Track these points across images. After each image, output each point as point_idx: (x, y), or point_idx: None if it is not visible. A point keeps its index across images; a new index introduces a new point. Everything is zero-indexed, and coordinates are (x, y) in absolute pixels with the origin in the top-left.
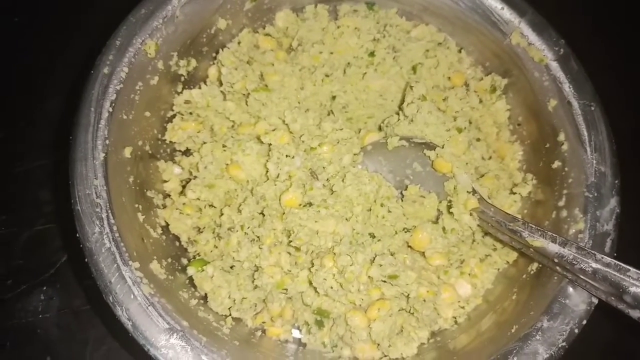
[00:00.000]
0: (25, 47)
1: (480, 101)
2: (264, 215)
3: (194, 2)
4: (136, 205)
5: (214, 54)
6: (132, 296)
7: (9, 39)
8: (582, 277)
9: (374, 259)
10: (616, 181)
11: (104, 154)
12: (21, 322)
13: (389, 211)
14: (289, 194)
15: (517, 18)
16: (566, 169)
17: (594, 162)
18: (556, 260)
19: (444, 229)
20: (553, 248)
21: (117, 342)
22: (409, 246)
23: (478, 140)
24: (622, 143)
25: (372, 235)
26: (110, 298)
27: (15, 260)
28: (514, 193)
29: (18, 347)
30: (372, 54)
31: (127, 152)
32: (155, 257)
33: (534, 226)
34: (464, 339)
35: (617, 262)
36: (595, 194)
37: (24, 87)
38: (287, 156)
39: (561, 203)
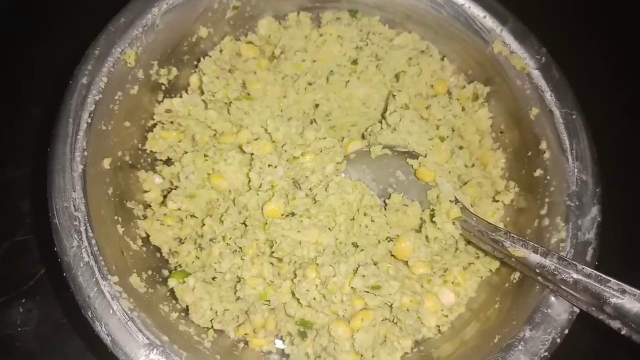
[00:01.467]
0: (5, 53)
1: (463, 109)
2: (246, 225)
3: (175, 10)
4: (115, 217)
5: (195, 62)
6: (111, 311)
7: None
8: (563, 287)
9: (357, 269)
10: (597, 189)
11: (82, 166)
12: (0, 335)
13: (372, 220)
14: (271, 204)
15: (499, 26)
16: (548, 177)
17: (576, 170)
18: (538, 271)
19: (427, 237)
20: (534, 258)
21: (96, 357)
22: (392, 255)
23: (461, 148)
24: (604, 152)
25: (355, 245)
26: (89, 313)
27: None
28: (497, 201)
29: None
30: (355, 62)
31: (107, 163)
32: (135, 270)
33: (515, 236)
34: (447, 348)
35: (597, 273)
36: (577, 203)
37: (3, 93)
38: (269, 166)
39: (543, 211)
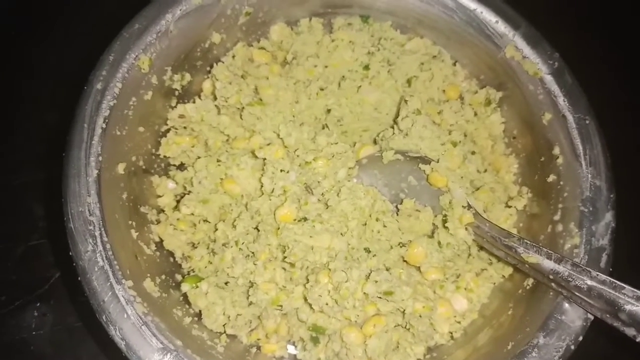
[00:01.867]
0: (22, 59)
1: (475, 114)
2: (258, 230)
3: (188, 16)
4: (130, 222)
5: (208, 68)
6: (125, 315)
7: (5, 51)
8: (577, 294)
9: (369, 274)
10: (611, 195)
11: (97, 171)
12: (14, 339)
13: (384, 226)
14: (283, 209)
15: (512, 31)
16: (561, 182)
17: (589, 176)
18: (551, 277)
19: (439, 243)
20: (548, 265)
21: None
22: (405, 261)
23: (473, 153)
24: (618, 157)
25: (368, 250)
26: (104, 317)
27: (9, 275)
28: (510, 206)
29: None
30: (366, 67)
31: (121, 168)
32: (148, 275)
33: (529, 242)
34: (460, 354)
35: (612, 279)
36: (591, 209)
37: (20, 98)
38: (281, 171)
39: (557, 217)
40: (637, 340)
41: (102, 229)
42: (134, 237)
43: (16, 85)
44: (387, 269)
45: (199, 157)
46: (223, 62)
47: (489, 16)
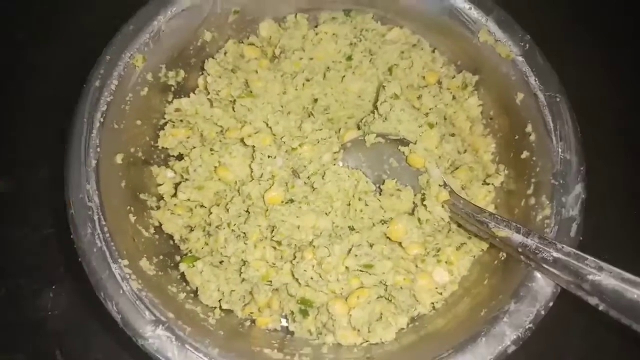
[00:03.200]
0: (26, 61)
1: (454, 98)
2: (249, 213)
3: (180, 16)
4: (128, 207)
5: (201, 65)
6: (121, 291)
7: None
8: (544, 265)
9: (350, 249)
10: (581, 168)
11: (95, 161)
12: (32, 319)
13: (367, 205)
14: (271, 192)
15: (484, 16)
16: (534, 158)
17: (560, 150)
18: (520, 250)
19: (419, 219)
20: (517, 238)
21: (112, 334)
22: (387, 237)
23: (452, 135)
24: (589, 132)
25: (351, 228)
26: (102, 293)
27: (27, 261)
28: (488, 184)
29: (30, 341)
30: (349, 58)
31: (119, 158)
32: (145, 255)
33: (499, 217)
34: (440, 322)
35: (576, 251)
36: (561, 181)
37: (29, 98)
38: (269, 157)
39: (529, 191)
40: (600, 309)
41: (100, 214)
42: (132, 221)
43: (26, 86)
44: (371, 245)
45: (194, 147)
46: (215, 59)
47: (462, 3)
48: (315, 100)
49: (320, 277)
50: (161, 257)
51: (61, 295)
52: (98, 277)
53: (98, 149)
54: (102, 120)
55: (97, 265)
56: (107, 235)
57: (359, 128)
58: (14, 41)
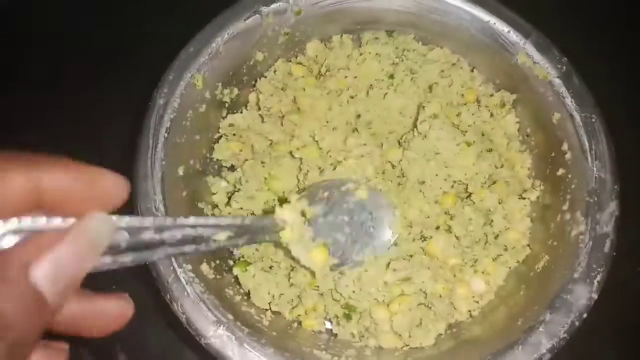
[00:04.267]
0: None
1: (492, 115)
2: None
3: (235, 39)
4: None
5: (253, 82)
6: (185, 294)
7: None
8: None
9: (389, 263)
10: (615, 186)
11: (161, 173)
12: None
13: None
14: None
15: (522, 39)
16: (569, 175)
17: (595, 169)
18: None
19: (456, 236)
20: None
21: (175, 332)
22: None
23: (490, 150)
24: (623, 151)
25: (395, 243)
26: (168, 296)
27: None
28: (524, 198)
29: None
30: (391, 76)
31: (181, 170)
32: (204, 260)
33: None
34: (477, 330)
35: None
36: (596, 199)
37: (108, 115)
38: (317, 168)
39: (565, 207)
40: None
41: None
42: None
43: (105, 104)
44: (410, 256)
45: (246, 160)
46: (266, 77)
47: (501, 27)
48: (359, 116)
49: (361, 290)
50: (218, 261)
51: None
52: (164, 280)
53: (163, 162)
54: (166, 135)
55: (164, 269)
56: None
57: (399, 145)
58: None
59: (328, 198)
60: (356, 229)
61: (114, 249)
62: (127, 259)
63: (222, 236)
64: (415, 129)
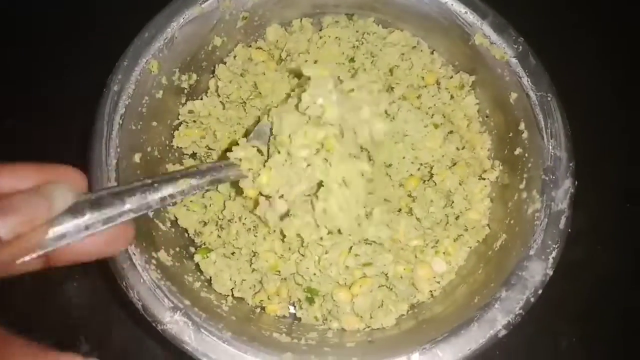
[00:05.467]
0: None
1: (452, 97)
2: None
3: (191, 23)
4: None
5: (212, 68)
6: (141, 280)
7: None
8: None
9: (351, 248)
10: (571, 164)
11: (115, 160)
12: (58, 306)
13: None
14: None
15: (480, 20)
16: (526, 154)
17: (550, 147)
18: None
19: (417, 218)
20: None
21: (133, 320)
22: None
23: (451, 132)
24: (578, 129)
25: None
26: (124, 283)
27: None
28: (484, 178)
29: (56, 328)
30: (352, 60)
31: (137, 157)
32: (163, 247)
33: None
34: (437, 309)
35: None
36: (551, 176)
37: (53, 103)
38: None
39: (522, 186)
40: None
41: None
42: (150, 216)
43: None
44: (373, 242)
45: (207, 147)
46: (225, 63)
47: (458, 7)
48: None
49: (321, 272)
50: (177, 249)
51: (85, 285)
52: (120, 267)
53: (118, 149)
54: (121, 122)
55: (120, 256)
56: None
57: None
58: (37, 42)
59: None
60: None
61: (74, 210)
62: (88, 219)
63: (183, 184)
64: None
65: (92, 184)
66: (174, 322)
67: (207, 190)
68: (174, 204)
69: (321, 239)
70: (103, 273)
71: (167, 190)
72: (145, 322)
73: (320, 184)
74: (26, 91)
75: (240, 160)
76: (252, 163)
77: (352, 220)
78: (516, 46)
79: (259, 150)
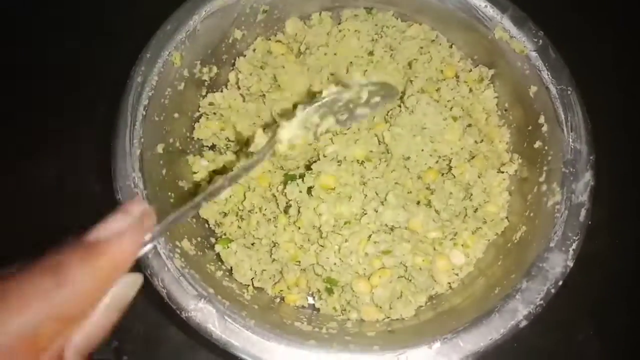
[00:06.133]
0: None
1: (470, 90)
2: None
3: (212, 16)
4: (169, 194)
5: (232, 61)
6: (166, 269)
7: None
8: None
9: (370, 236)
10: (591, 157)
11: (139, 151)
12: None
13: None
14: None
15: (499, 14)
16: (546, 147)
17: (570, 140)
18: None
19: (436, 210)
20: None
21: (159, 309)
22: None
23: (470, 125)
24: (599, 123)
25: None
26: (148, 271)
27: None
28: (502, 172)
29: None
30: (371, 53)
31: (160, 148)
32: (185, 236)
33: None
34: (456, 300)
35: None
36: (571, 169)
37: (78, 94)
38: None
39: (542, 179)
40: None
41: (145, 199)
42: (172, 205)
43: (74, 82)
44: (391, 229)
45: (227, 139)
46: (245, 56)
47: (478, 1)
48: None
49: (341, 261)
50: (199, 239)
51: None
52: (145, 255)
53: (142, 140)
54: (144, 113)
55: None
56: None
57: (386, 121)
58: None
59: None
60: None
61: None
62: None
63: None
64: (402, 104)
65: (116, 174)
66: (199, 310)
67: None
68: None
69: (339, 227)
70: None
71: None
72: (168, 309)
73: None
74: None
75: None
76: None
77: None
78: (536, 40)
79: None
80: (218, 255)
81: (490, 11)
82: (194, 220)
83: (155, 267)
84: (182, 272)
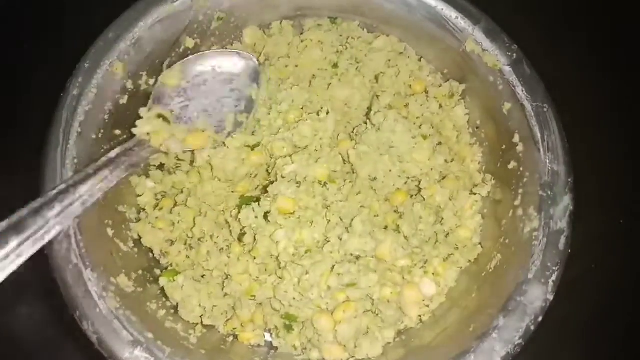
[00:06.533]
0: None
1: (440, 106)
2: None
3: (160, 23)
4: (106, 221)
5: None
6: (97, 310)
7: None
8: None
9: (334, 267)
10: (569, 179)
11: (72, 173)
12: (4, 336)
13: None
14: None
15: (471, 26)
16: (521, 169)
17: (547, 161)
18: None
19: (405, 236)
20: None
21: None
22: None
23: (440, 144)
24: (576, 143)
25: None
26: (77, 312)
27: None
28: (474, 193)
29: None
30: (335, 66)
31: None
32: (123, 271)
33: None
34: (428, 336)
35: None
36: (549, 193)
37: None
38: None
39: (517, 202)
40: None
41: (76, 229)
42: (109, 235)
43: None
44: (356, 258)
45: (177, 157)
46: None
47: (449, 12)
48: (302, 107)
49: (302, 295)
50: (140, 272)
51: (35, 314)
52: (73, 294)
53: (75, 160)
54: (79, 130)
55: (73, 283)
56: (84, 250)
57: (351, 139)
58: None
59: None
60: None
61: None
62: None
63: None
64: (368, 121)
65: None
66: (134, 359)
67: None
68: (94, 203)
69: (299, 256)
70: (54, 301)
71: (83, 189)
72: (99, 357)
73: None
74: None
75: (149, 134)
76: (161, 134)
77: None
78: (510, 54)
79: (162, 118)
80: (162, 290)
81: (462, 23)
82: (136, 249)
83: (84, 307)
84: (116, 314)
